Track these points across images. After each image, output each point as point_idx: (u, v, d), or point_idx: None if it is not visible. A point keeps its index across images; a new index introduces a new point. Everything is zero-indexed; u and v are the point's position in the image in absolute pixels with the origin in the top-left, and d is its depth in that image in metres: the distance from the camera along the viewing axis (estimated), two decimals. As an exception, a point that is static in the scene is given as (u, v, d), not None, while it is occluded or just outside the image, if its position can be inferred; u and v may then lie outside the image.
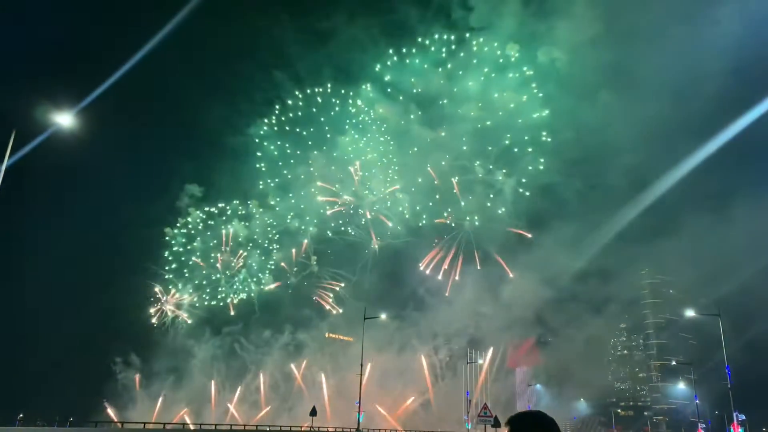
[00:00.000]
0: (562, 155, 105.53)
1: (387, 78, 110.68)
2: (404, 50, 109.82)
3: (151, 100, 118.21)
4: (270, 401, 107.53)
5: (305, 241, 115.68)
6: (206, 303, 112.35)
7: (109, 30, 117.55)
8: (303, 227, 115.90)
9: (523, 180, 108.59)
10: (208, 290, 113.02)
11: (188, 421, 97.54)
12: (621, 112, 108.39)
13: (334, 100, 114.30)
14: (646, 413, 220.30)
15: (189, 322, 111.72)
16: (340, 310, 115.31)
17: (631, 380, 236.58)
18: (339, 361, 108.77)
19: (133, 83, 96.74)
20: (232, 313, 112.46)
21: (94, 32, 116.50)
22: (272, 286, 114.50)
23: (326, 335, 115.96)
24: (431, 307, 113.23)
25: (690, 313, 71.76)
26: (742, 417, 55.85)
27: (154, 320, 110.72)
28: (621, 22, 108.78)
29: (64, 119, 34.11)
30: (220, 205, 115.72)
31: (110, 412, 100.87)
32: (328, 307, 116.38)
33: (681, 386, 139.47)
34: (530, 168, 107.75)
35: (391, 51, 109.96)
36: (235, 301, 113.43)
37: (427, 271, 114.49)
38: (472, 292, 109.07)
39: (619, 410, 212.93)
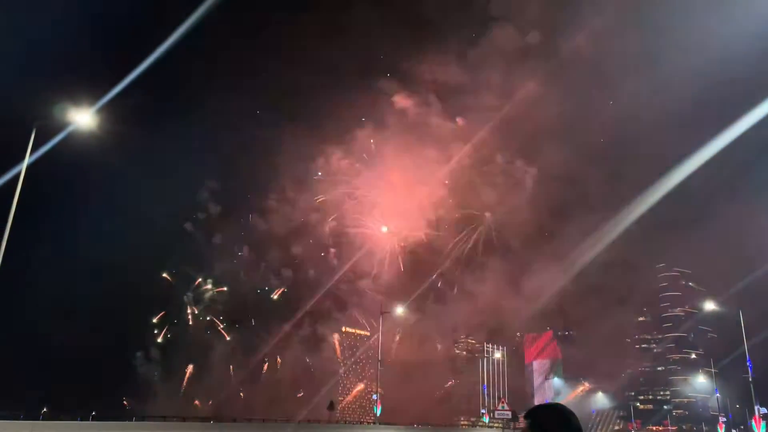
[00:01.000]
0: (585, 145, 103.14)
1: (406, 69, 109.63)
2: (424, 41, 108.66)
3: (171, 96, 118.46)
4: (290, 392, 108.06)
5: (324, 233, 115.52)
6: (227, 296, 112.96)
7: (131, 25, 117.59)
8: (321, 221, 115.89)
9: (545, 170, 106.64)
10: (228, 284, 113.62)
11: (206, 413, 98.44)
12: (646, 99, 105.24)
13: (353, 92, 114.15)
14: (665, 407, 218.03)
15: (208, 316, 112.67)
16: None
17: (651, 374, 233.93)
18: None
19: (154, 80, 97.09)
20: (252, 306, 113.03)
21: (114, 29, 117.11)
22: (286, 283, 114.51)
23: (342, 329, 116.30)
24: (452, 300, 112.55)
25: (710, 306, 70.69)
26: (764, 410, 55.01)
27: (174, 316, 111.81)
28: (647, 6, 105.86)
29: (83, 117, 34.45)
30: (240, 199, 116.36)
31: (129, 405, 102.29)
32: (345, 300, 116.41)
33: (701, 380, 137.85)
34: (553, 158, 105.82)
35: (410, 42, 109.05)
36: (255, 294, 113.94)
37: (447, 263, 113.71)
38: (492, 285, 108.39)
39: (638, 404, 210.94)
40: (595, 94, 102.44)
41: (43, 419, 63.71)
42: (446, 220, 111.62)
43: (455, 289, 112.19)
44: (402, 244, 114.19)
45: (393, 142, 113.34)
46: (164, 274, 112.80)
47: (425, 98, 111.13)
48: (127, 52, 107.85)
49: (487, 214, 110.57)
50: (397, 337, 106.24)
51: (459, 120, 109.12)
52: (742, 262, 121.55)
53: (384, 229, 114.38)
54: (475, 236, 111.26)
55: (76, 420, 51.11)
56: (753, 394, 53.01)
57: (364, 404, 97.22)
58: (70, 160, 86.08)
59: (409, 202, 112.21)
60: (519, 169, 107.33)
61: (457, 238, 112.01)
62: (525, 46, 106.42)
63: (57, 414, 78.23)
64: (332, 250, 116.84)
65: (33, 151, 33.12)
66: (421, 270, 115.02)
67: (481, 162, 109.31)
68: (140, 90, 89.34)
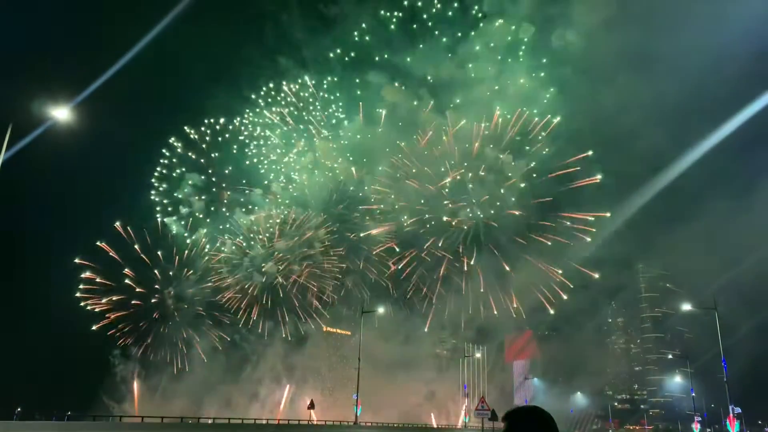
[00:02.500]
0: (577, 141, 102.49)
1: (396, 63, 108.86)
2: (414, 35, 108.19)
3: (151, 89, 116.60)
4: (270, 391, 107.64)
5: (309, 231, 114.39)
6: (208, 292, 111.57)
7: (109, 18, 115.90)
8: (307, 216, 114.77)
9: (536, 166, 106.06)
10: (209, 280, 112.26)
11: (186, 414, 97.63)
12: (638, 95, 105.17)
13: (340, 87, 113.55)
14: (642, 406, 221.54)
15: (189, 312, 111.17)
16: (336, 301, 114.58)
17: (628, 374, 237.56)
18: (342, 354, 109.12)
19: (134, 73, 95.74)
20: (234, 303, 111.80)
21: (92, 21, 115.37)
22: (278, 277, 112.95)
23: (324, 329, 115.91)
24: (438, 298, 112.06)
25: (686, 307, 71.87)
26: (738, 410, 56.12)
27: (154, 313, 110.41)
28: (640, 1, 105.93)
29: (61, 113, 34.00)
30: (221, 193, 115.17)
31: (108, 405, 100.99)
32: (329, 298, 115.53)
33: (677, 380, 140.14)
34: (543, 154, 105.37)
35: (400, 36, 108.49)
36: (236, 291, 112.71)
37: (432, 261, 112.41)
38: (477, 284, 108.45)
39: (615, 403, 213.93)
40: (586, 91, 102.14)
41: (17, 419, 62.79)
42: (435, 216, 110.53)
43: (444, 287, 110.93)
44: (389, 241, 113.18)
45: (381, 137, 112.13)
46: (144, 270, 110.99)
47: (415, 92, 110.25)
48: (109, 42, 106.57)
49: (477, 212, 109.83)
50: (379, 336, 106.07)
51: (449, 116, 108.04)
52: (720, 263, 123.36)
53: (372, 225, 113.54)
54: (464, 234, 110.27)
55: (51, 420, 50.43)
56: (728, 394, 54.01)
57: (345, 404, 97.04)
58: (49, 156, 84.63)
59: (397, 198, 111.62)
60: (508, 164, 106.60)
61: (445, 236, 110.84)
62: (518, 40, 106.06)
63: (31, 414, 77.18)
64: (318, 244, 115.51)
65: (9, 147, 32.62)
66: (408, 267, 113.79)
67: (470, 157, 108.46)
68: (120, 82, 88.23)
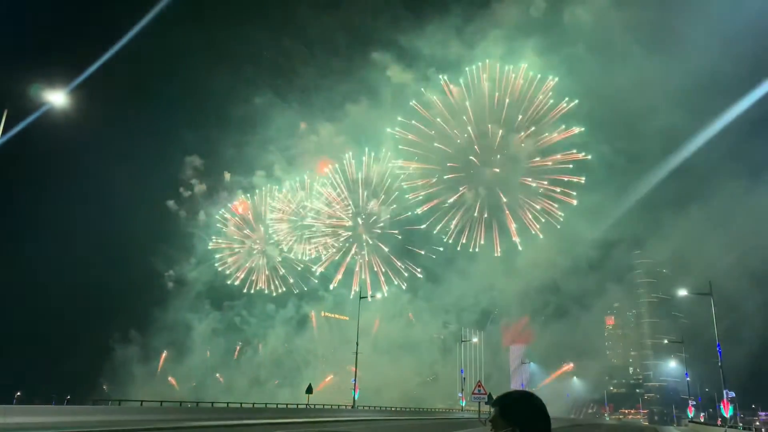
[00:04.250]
0: (588, 119, 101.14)
1: (403, 43, 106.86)
2: (422, 14, 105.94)
3: (151, 71, 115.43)
4: (271, 377, 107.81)
5: (309, 216, 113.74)
6: (208, 276, 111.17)
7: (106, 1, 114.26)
8: (308, 199, 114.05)
9: (545, 146, 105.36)
10: (210, 263, 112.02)
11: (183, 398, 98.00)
12: (650, 75, 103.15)
13: (346, 67, 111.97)
14: (638, 391, 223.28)
15: (191, 294, 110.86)
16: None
17: (624, 359, 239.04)
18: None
19: (132, 55, 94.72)
20: (236, 285, 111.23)
21: (89, 5, 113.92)
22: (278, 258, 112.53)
23: (322, 314, 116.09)
24: (444, 280, 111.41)
25: (682, 292, 72.22)
26: (732, 394, 56.56)
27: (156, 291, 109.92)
28: None
29: (57, 98, 33.73)
30: (223, 177, 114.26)
31: (107, 389, 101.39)
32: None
33: (672, 365, 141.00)
34: (555, 134, 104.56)
35: (408, 15, 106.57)
36: (239, 274, 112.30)
37: (440, 241, 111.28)
38: (483, 266, 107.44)
39: (611, 388, 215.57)
40: (598, 69, 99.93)
41: (16, 403, 63.10)
42: (441, 197, 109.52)
43: (450, 268, 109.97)
44: (395, 222, 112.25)
45: (388, 118, 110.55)
46: (145, 253, 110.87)
47: (423, 73, 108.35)
48: (102, 30, 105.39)
49: (486, 191, 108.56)
50: (377, 321, 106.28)
51: (458, 96, 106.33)
52: (726, 245, 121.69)
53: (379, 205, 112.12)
54: (472, 214, 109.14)
55: (50, 404, 50.72)
56: (722, 378, 54.42)
57: (343, 387, 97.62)
58: (48, 140, 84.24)
59: (405, 179, 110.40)
60: (517, 145, 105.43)
61: (454, 215, 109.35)
62: (527, 18, 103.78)
63: (31, 398, 77.56)
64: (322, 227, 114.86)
65: (4, 132, 32.39)
66: (415, 249, 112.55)
67: (479, 138, 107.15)
68: (116, 68, 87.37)
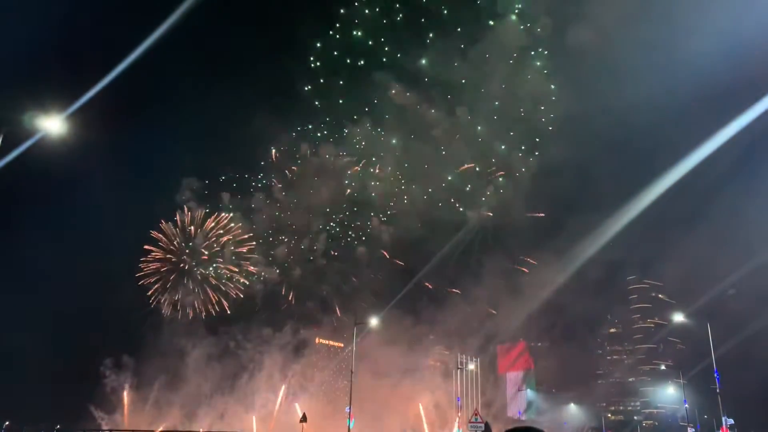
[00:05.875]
0: (587, 138, 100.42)
1: (404, 63, 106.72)
2: (425, 34, 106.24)
3: (145, 91, 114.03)
4: (265, 402, 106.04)
5: (310, 235, 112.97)
6: (203, 299, 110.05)
7: (102, 23, 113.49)
8: (309, 221, 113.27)
9: (544, 165, 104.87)
10: (206, 285, 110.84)
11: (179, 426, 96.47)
12: (652, 92, 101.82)
13: (347, 86, 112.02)
14: (636, 417, 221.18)
15: (185, 319, 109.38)
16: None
17: (621, 385, 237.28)
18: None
19: (129, 76, 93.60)
20: (230, 310, 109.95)
21: (85, 28, 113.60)
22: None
23: (316, 341, 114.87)
24: (441, 304, 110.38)
25: (679, 318, 71.99)
26: (731, 421, 56.14)
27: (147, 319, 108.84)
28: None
29: (53, 124, 33.78)
30: (221, 197, 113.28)
31: (98, 417, 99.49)
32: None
33: (670, 391, 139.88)
34: (552, 153, 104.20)
35: (410, 35, 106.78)
36: (234, 298, 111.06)
37: (437, 265, 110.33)
38: (480, 290, 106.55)
39: (609, 414, 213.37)
40: (600, 88, 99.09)
41: (5, 433, 61.82)
42: (442, 218, 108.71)
43: (446, 293, 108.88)
44: (393, 245, 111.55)
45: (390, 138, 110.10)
46: (139, 278, 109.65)
47: (426, 94, 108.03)
48: (99, 52, 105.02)
49: (484, 212, 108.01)
50: (373, 348, 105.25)
51: (458, 115, 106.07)
52: (712, 274, 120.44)
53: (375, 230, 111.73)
54: (470, 237, 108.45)
55: (40, 433, 49.75)
56: (720, 404, 54.05)
57: (337, 417, 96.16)
58: (42, 167, 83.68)
59: (402, 201, 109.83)
60: (518, 165, 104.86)
61: (451, 238, 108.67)
62: (530, 39, 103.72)
63: (21, 428, 76.11)
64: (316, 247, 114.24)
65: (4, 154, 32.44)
66: (412, 273, 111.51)
67: (479, 158, 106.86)
68: (113, 91, 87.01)
